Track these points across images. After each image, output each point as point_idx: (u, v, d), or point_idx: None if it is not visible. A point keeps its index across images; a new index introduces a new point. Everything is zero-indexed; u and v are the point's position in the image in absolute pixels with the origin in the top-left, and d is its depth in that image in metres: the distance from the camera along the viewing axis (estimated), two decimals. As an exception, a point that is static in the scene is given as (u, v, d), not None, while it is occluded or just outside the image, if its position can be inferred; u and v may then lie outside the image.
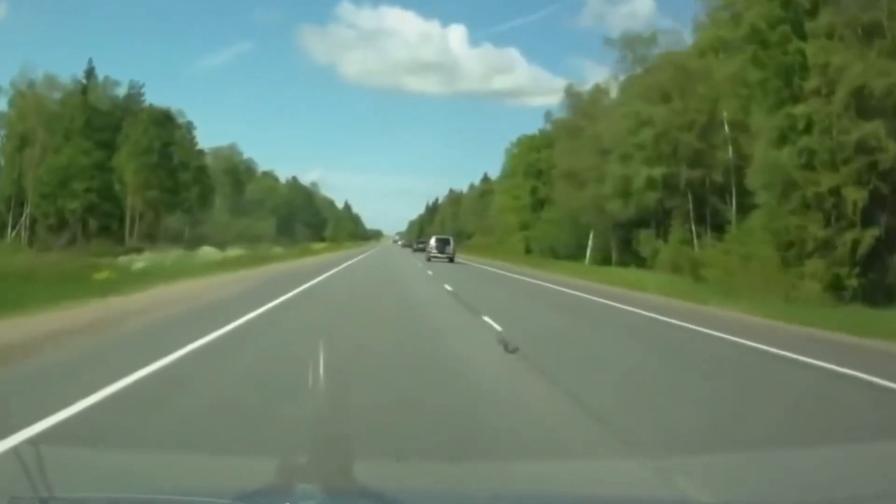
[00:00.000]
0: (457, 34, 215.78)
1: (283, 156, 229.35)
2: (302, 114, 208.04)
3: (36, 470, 3.14)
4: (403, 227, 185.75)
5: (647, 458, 4.99)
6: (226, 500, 2.78)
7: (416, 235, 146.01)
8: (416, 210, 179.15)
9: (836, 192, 22.18)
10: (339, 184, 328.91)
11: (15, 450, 3.37)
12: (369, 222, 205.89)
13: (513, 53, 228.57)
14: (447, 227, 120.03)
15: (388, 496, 2.98)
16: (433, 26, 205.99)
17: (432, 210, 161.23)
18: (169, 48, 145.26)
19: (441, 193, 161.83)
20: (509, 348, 9.07)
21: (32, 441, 4.22)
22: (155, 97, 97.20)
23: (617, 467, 4.64)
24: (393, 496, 2.97)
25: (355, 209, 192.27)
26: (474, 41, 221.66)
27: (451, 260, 48.91)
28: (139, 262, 31.74)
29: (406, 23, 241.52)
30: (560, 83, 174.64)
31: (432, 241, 53.22)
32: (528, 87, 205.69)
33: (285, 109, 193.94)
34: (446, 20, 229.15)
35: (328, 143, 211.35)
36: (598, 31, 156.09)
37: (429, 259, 48.40)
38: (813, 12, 22.80)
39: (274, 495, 2.86)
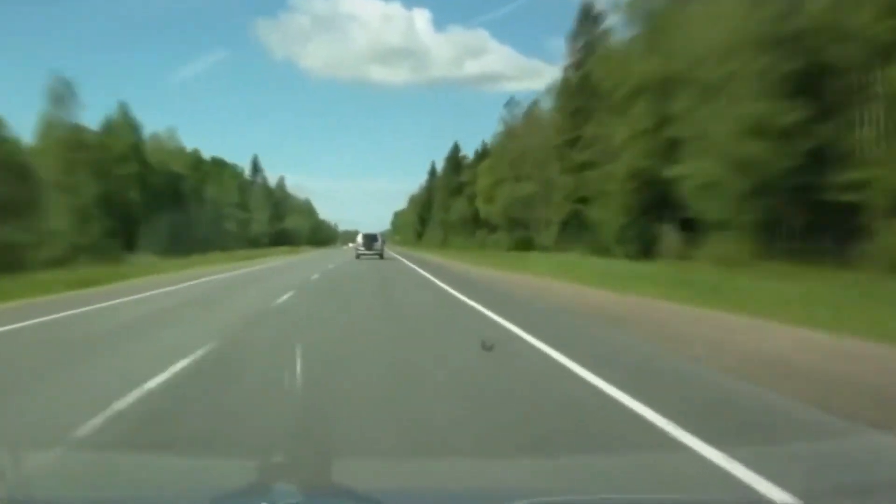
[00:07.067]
0: (422, 18, 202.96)
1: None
2: (271, 115, 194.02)
3: (13, 473, 3.16)
4: (387, 224, 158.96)
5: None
6: (204, 501, 2.76)
7: (414, 227, 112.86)
8: (400, 204, 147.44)
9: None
10: (312, 187, 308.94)
11: None
12: (344, 224, 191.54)
13: (482, 35, 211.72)
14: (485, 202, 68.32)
15: (365, 495, 2.97)
16: (395, 8, 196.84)
17: (430, 186, 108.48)
18: (140, 67, 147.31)
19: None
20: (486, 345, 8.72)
21: (10, 445, 4.26)
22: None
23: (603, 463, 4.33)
24: (370, 495, 2.96)
25: (332, 212, 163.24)
26: (440, 25, 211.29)
27: (381, 256, 46.53)
28: None
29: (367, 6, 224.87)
30: (537, 65, 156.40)
31: (359, 239, 50.87)
32: (506, 72, 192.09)
33: (254, 113, 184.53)
34: (409, 3, 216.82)
35: (299, 146, 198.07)
36: (569, 4, 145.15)
37: (357, 257, 45.87)
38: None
39: (251, 496, 2.86)
